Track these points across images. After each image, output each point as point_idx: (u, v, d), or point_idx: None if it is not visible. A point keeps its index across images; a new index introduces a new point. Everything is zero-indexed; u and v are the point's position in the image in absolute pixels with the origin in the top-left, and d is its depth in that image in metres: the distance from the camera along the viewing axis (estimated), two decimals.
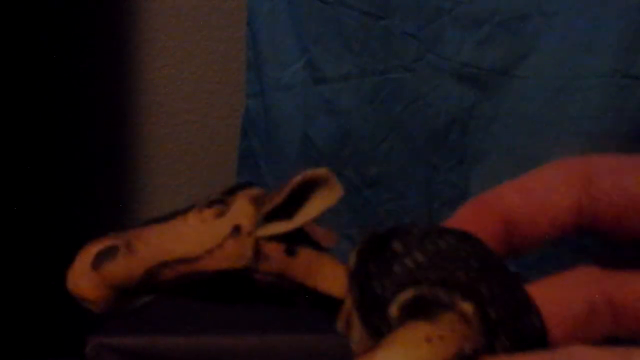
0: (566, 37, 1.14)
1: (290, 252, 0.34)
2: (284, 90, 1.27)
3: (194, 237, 0.34)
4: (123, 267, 0.33)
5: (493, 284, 0.32)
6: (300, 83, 1.26)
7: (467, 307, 0.31)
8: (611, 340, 0.36)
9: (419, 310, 0.31)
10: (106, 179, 1.39)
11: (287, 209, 0.33)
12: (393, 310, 0.32)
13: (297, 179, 0.33)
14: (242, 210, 0.34)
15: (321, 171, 0.33)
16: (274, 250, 0.34)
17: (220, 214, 0.34)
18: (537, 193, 0.39)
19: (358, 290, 0.33)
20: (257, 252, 0.33)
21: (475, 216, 0.39)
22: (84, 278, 0.35)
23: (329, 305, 0.35)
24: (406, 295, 0.32)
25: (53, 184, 1.37)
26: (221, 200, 0.34)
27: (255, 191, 0.34)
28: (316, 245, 0.35)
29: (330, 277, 0.35)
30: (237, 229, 0.33)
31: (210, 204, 0.34)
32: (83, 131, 1.38)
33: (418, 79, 1.20)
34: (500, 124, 1.18)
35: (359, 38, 1.22)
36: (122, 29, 1.38)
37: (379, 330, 0.33)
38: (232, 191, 0.34)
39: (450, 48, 1.19)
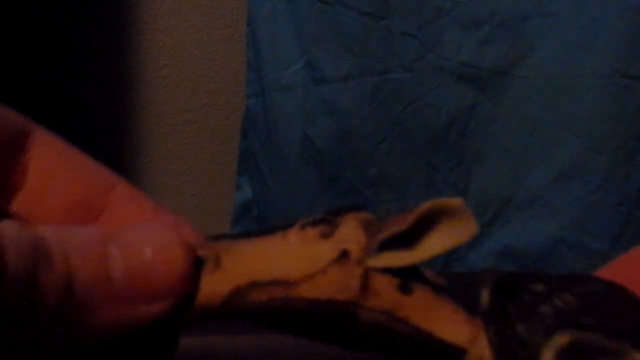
0: (566, 37, 1.14)
1: (405, 288, 0.28)
2: (284, 90, 1.27)
3: (293, 258, 0.29)
4: (208, 283, 0.29)
5: None
6: (300, 83, 1.26)
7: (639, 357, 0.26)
8: None
9: (578, 358, 0.26)
10: None
11: (399, 240, 0.28)
12: (546, 356, 0.27)
13: (426, 206, 0.28)
14: (351, 234, 0.28)
15: (455, 201, 0.28)
16: (386, 285, 0.28)
17: (325, 235, 0.28)
18: None
19: (496, 333, 0.28)
20: (365, 285, 0.28)
21: (624, 270, 0.34)
22: None
23: (445, 355, 0.30)
24: (562, 339, 0.27)
25: None
26: (327, 220, 0.29)
27: (364, 215, 0.29)
28: (432, 286, 0.30)
29: (450, 321, 0.29)
30: (344, 255, 0.28)
31: (315, 222, 0.29)
32: (83, 131, 1.38)
33: (418, 79, 1.20)
34: (500, 124, 1.18)
35: (358, 38, 1.22)
36: (122, 29, 1.38)
37: None
38: (338, 212, 0.29)
39: (450, 48, 1.19)
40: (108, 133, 1.40)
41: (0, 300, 0.23)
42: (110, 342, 0.28)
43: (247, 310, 0.29)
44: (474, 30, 1.18)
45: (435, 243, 0.29)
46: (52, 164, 0.33)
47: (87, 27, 1.38)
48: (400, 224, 0.28)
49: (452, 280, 0.31)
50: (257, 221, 1.33)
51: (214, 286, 0.29)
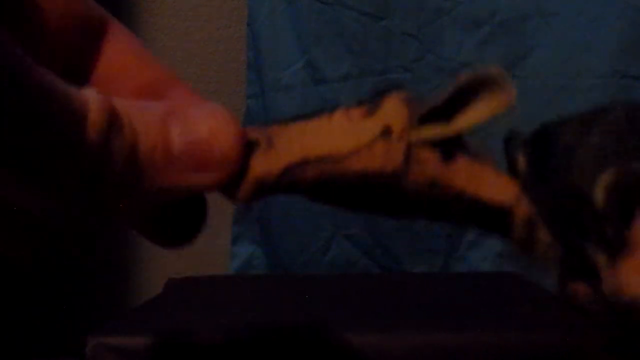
0: (566, 37, 1.14)
1: (447, 157, 0.30)
2: (284, 91, 1.27)
3: (340, 136, 0.30)
4: (263, 162, 0.30)
5: None
6: (300, 83, 1.26)
7: None
8: None
9: (628, 189, 0.26)
10: None
11: (443, 115, 0.29)
12: (599, 196, 0.27)
13: (465, 77, 0.29)
14: (394, 110, 0.29)
15: (492, 71, 0.29)
16: (429, 156, 0.29)
17: (369, 113, 0.30)
18: None
19: (537, 191, 0.28)
20: (409, 157, 0.29)
21: None
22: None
23: (489, 216, 0.31)
24: (608, 176, 0.27)
25: None
26: (371, 100, 0.31)
27: (406, 94, 0.30)
28: (475, 155, 0.32)
29: (494, 184, 0.30)
30: (387, 131, 0.29)
31: (359, 103, 0.31)
32: None
33: (418, 79, 1.20)
34: (499, 124, 1.18)
35: (358, 38, 1.22)
36: None
37: (577, 225, 0.28)
38: (382, 93, 0.31)
39: (450, 48, 1.19)
40: None
41: (78, 160, 0.26)
42: (164, 208, 0.32)
43: (300, 186, 0.31)
44: (474, 30, 1.18)
45: (473, 114, 0.30)
46: (123, 52, 0.36)
47: None
48: (439, 97, 0.29)
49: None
50: (258, 221, 1.33)
51: (268, 163, 0.31)
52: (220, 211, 1.38)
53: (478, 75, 0.29)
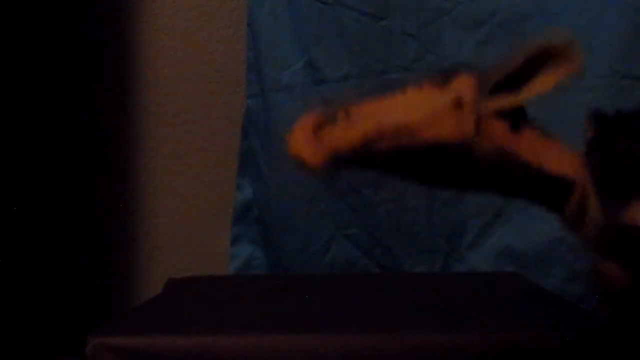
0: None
1: (515, 128, 0.32)
2: (284, 91, 1.27)
3: (413, 107, 0.32)
4: (342, 133, 0.32)
5: None
6: (300, 83, 1.26)
7: None
8: None
9: None
10: (106, 178, 1.39)
11: (510, 84, 0.31)
12: None
13: (533, 47, 0.31)
14: (464, 82, 0.31)
15: (560, 40, 0.30)
16: (497, 126, 0.31)
17: (441, 86, 0.32)
18: None
19: (600, 163, 0.30)
20: (478, 128, 0.31)
21: None
22: (305, 143, 0.35)
23: (554, 189, 0.33)
24: None
25: (53, 184, 1.37)
26: (442, 75, 0.32)
27: (477, 70, 0.32)
28: (540, 128, 0.34)
29: (558, 157, 0.32)
30: (458, 102, 0.31)
31: (432, 80, 0.33)
32: (83, 131, 1.38)
33: (418, 79, 1.20)
34: None
35: (358, 38, 1.22)
36: (122, 29, 1.38)
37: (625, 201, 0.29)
38: (453, 69, 0.32)
39: (449, 48, 1.19)
40: (108, 133, 1.40)
41: None
42: None
43: (375, 157, 0.33)
44: (474, 30, 1.18)
45: (540, 83, 0.32)
46: None
47: (88, 28, 1.38)
48: (509, 66, 0.32)
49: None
50: (258, 221, 1.33)
51: (345, 135, 0.33)
52: (220, 211, 1.39)
53: (548, 45, 0.31)
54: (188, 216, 1.40)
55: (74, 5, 1.37)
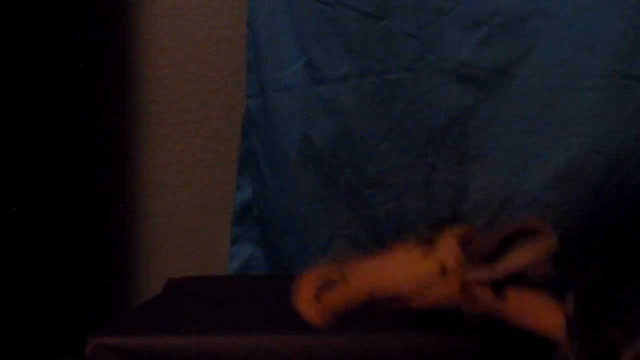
0: (566, 37, 1.14)
1: (500, 294, 0.34)
2: (284, 91, 1.27)
3: (402, 275, 0.36)
4: (339, 296, 0.38)
5: None
6: (300, 83, 1.26)
7: None
8: None
9: None
10: (106, 178, 1.39)
11: (491, 260, 0.34)
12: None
13: (514, 227, 0.34)
14: (449, 250, 0.35)
15: (537, 223, 0.34)
16: (482, 293, 0.34)
17: (427, 253, 0.36)
18: None
19: (580, 339, 0.32)
20: (466, 293, 0.34)
21: None
22: (308, 305, 0.41)
23: (543, 345, 0.35)
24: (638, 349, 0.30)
25: (53, 184, 1.37)
26: (428, 240, 0.36)
27: (462, 229, 0.36)
28: (529, 281, 0.36)
29: (544, 317, 0.34)
30: (444, 270, 0.35)
31: (418, 242, 0.36)
32: (83, 131, 1.38)
33: (418, 79, 1.20)
34: (499, 124, 1.18)
35: (358, 38, 1.22)
36: (122, 29, 1.38)
37: None
38: (440, 226, 0.36)
39: (449, 48, 1.19)
40: (108, 133, 1.40)
41: None
42: None
43: (373, 315, 0.39)
44: (474, 30, 1.18)
45: (517, 259, 0.35)
46: None
47: (88, 28, 1.38)
48: (488, 243, 0.35)
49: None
50: (258, 221, 1.33)
51: (343, 297, 0.40)
52: (220, 212, 1.39)
53: (522, 227, 0.35)
54: (188, 216, 1.40)
55: (74, 5, 1.37)
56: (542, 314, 0.34)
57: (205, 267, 1.37)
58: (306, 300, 0.39)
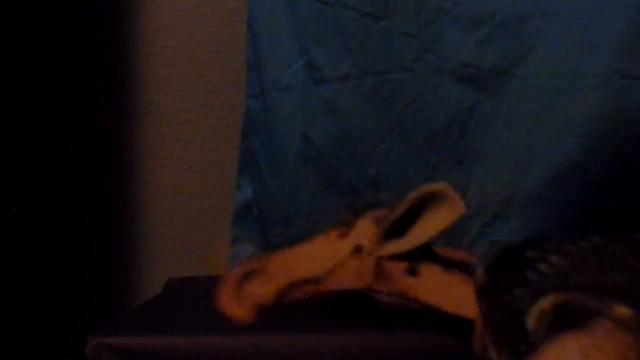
0: (566, 37, 1.14)
1: (412, 271, 0.34)
2: (284, 91, 1.27)
3: (318, 258, 0.36)
4: (259, 288, 0.38)
5: None
6: (300, 83, 1.26)
7: (625, 311, 0.27)
8: None
9: (562, 321, 0.27)
10: (106, 178, 1.39)
11: (410, 225, 0.34)
12: (529, 323, 0.29)
13: (412, 195, 0.34)
14: (364, 230, 0.35)
15: (438, 186, 0.33)
16: (395, 270, 0.34)
17: (344, 235, 0.36)
18: None
19: (487, 306, 0.31)
20: (378, 272, 0.34)
21: None
22: (230, 300, 0.40)
23: (460, 326, 0.34)
24: (542, 305, 0.29)
25: (54, 184, 1.37)
26: (346, 222, 0.36)
27: (381, 212, 0.36)
28: (445, 262, 0.35)
29: (458, 297, 0.34)
30: (358, 249, 0.35)
31: (336, 225, 0.36)
32: (83, 131, 1.38)
33: (417, 79, 1.20)
34: (499, 124, 1.18)
35: (358, 38, 1.22)
36: (122, 29, 1.38)
37: (517, 348, 0.30)
38: (362, 210, 0.36)
39: (449, 48, 1.19)
40: (108, 133, 1.40)
41: None
42: None
43: (292, 304, 0.39)
44: (474, 30, 1.18)
45: (427, 227, 0.35)
46: None
47: (88, 28, 1.38)
48: (393, 215, 0.35)
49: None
50: (258, 221, 1.33)
51: (263, 289, 0.39)
52: (220, 212, 1.39)
53: (426, 191, 0.35)
54: (188, 216, 1.40)
55: (74, 5, 1.37)
56: (456, 292, 0.35)
57: (205, 267, 1.37)
58: (227, 295, 0.39)
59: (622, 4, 1.11)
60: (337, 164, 1.24)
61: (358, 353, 0.77)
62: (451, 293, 0.33)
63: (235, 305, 0.37)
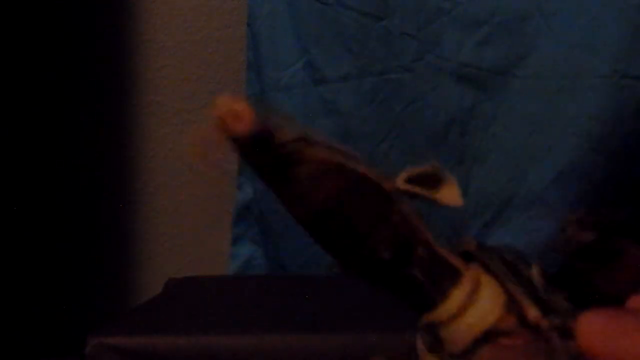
0: (566, 37, 1.14)
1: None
2: (284, 91, 1.27)
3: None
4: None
5: None
6: (300, 84, 1.26)
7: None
8: None
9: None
10: (106, 178, 1.39)
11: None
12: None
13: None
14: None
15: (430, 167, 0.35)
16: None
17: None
18: None
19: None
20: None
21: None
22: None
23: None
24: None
25: (53, 184, 1.37)
26: None
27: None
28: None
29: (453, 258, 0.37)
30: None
31: None
32: (83, 131, 1.38)
33: (417, 79, 1.20)
34: (500, 124, 1.18)
35: (358, 39, 1.22)
36: (122, 29, 1.38)
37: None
38: None
39: (449, 48, 1.19)
40: (108, 133, 1.40)
41: None
42: None
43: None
44: (474, 30, 1.18)
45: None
46: None
47: (87, 27, 1.38)
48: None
49: None
50: (258, 221, 1.33)
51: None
52: (220, 212, 1.39)
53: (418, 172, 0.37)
54: (188, 216, 1.40)
55: (74, 4, 1.37)
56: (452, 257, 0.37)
57: (205, 267, 1.37)
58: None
59: (622, 4, 1.11)
60: None
61: (358, 353, 0.77)
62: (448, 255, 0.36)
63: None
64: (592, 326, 0.29)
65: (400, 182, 0.35)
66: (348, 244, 0.35)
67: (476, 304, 0.33)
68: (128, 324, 0.86)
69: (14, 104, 1.32)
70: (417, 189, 0.35)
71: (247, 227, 1.34)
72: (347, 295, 1.00)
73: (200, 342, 0.79)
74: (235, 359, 0.79)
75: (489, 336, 0.32)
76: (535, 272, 0.35)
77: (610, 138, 1.12)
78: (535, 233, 1.15)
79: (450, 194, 0.36)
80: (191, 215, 1.40)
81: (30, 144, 1.36)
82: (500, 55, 1.17)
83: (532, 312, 0.31)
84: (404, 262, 0.35)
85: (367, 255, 0.34)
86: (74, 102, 1.38)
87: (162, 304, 1.00)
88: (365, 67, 1.22)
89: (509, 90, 1.17)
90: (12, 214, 1.31)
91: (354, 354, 0.77)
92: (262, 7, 1.27)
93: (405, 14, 1.20)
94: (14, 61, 1.32)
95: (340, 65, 1.23)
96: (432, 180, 0.35)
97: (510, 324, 0.32)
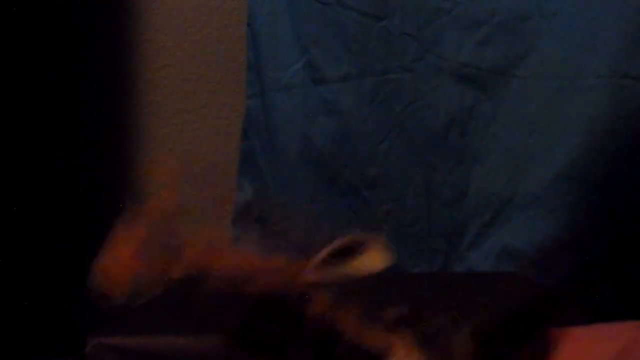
0: (566, 37, 1.14)
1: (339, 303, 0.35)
2: (284, 91, 1.27)
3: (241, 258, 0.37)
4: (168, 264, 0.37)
5: None
6: (300, 84, 1.26)
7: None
8: None
9: None
10: (106, 178, 1.39)
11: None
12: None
13: (341, 241, 0.35)
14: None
15: (371, 239, 0.35)
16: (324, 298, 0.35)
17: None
18: None
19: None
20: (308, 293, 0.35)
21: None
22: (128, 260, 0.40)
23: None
24: None
25: (54, 183, 1.37)
26: None
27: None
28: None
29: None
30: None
31: None
32: (83, 131, 1.38)
33: (417, 79, 1.20)
34: (499, 124, 1.18)
35: (358, 39, 1.22)
36: (122, 29, 1.38)
37: None
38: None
39: (449, 48, 1.19)
40: (108, 133, 1.40)
41: None
42: None
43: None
44: (474, 30, 1.18)
45: (353, 267, 0.37)
46: None
47: (88, 28, 1.38)
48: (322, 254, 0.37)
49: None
50: (257, 221, 1.33)
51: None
52: (220, 212, 1.39)
53: (359, 240, 0.37)
54: (188, 216, 1.40)
55: (74, 5, 1.37)
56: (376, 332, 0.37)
57: None
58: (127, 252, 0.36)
59: (622, 4, 1.11)
60: (337, 164, 1.24)
61: (358, 353, 0.77)
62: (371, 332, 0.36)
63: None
64: None
65: (309, 276, 0.35)
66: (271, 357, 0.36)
67: None
68: (128, 324, 0.86)
69: (14, 104, 1.32)
70: (329, 271, 0.35)
71: (247, 227, 1.34)
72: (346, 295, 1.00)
73: (200, 342, 0.79)
74: (235, 359, 0.79)
75: None
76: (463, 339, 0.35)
77: (610, 138, 1.12)
78: (535, 233, 1.15)
79: (371, 260, 0.36)
80: (191, 215, 1.40)
81: (30, 144, 1.36)
82: (500, 55, 1.17)
83: None
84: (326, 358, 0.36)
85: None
86: (74, 102, 1.38)
87: (162, 304, 1.00)
88: (365, 67, 1.22)
89: (509, 90, 1.17)
90: (12, 213, 1.31)
91: (354, 354, 0.76)
92: (262, 7, 1.27)
93: (405, 14, 1.20)
94: (15, 61, 1.32)
95: (340, 65, 1.23)
96: (354, 249, 0.36)
97: None
